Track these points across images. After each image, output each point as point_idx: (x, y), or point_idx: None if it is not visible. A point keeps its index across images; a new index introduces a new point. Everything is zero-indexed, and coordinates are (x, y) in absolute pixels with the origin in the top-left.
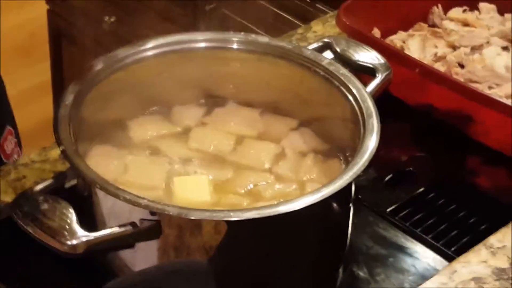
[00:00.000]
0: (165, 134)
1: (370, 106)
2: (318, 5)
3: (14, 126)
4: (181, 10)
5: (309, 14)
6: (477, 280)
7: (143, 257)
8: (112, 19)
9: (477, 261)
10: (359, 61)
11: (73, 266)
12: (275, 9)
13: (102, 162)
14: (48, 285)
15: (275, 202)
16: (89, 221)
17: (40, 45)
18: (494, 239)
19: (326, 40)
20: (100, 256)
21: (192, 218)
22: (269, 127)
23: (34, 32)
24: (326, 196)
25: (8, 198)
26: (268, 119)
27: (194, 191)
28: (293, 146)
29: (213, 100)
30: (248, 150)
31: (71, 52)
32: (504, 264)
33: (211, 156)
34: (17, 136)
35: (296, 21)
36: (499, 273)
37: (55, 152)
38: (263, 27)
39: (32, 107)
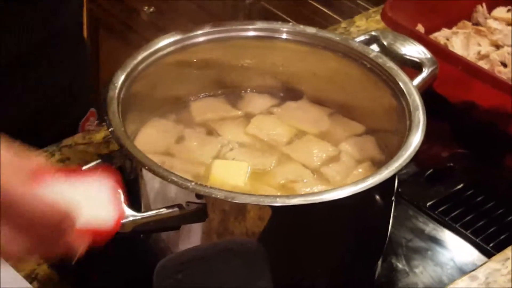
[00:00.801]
0: (226, 117)
1: (416, 99)
2: (359, 1)
3: (99, 108)
4: (221, 3)
5: (349, 10)
6: None
7: (187, 239)
8: (151, 9)
9: None
10: (405, 55)
11: (117, 245)
12: (316, 4)
13: (155, 134)
14: (93, 263)
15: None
16: (136, 201)
17: None
18: None
19: (373, 33)
20: (145, 237)
21: (238, 202)
22: (334, 128)
23: None
24: (372, 186)
25: None
26: (335, 121)
27: (229, 175)
28: (351, 152)
29: (289, 93)
30: (304, 146)
31: (109, 41)
32: None
33: (264, 145)
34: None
35: (336, 16)
36: None
37: (99, 135)
38: (304, 21)
39: None
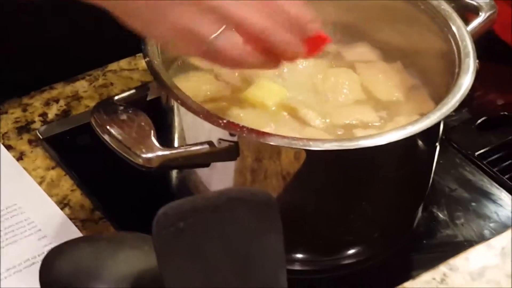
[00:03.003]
0: None
1: (468, 45)
2: None
3: None
4: None
5: None
6: None
7: (219, 176)
8: None
9: None
10: None
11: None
12: None
13: None
14: (123, 195)
15: (359, 135)
16: (167, 136)
17: None
18: None
19: None
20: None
21: (271, 143)
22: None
23: None
24: (412, 134)
25: (93, 103)
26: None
27: (264, 94)
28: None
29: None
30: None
31: None
32: None
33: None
34: None
35: None
36: None
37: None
38: None
39: None
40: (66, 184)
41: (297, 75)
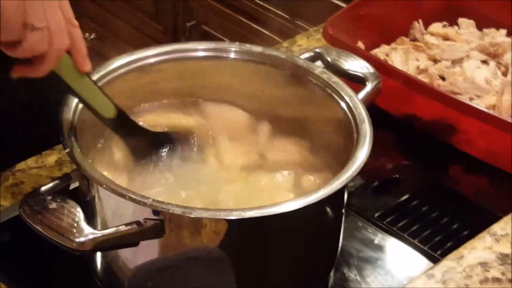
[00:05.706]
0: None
1: (362, 112)
2: (298, 22)
3: None
4: (162, 27)
5: (288, 31)
6: (483, 264)
7: (144, 255)
8: (92, 36)
9: (482, 247)
10: (349, 70)
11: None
12: (255, 26)
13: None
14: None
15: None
16: (93, 221)
17: None
18: (497, 227)
19: (317, 50)
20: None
21: (194, 216)
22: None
23: None
24: (323, 196)
25: (7, 203)
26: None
27: None
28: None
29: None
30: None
31: None
32: (507, 250)
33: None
34: None
35: (276, 38)
36: (503, 258)
37: (51, 159)
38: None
39: None
40: None
41: None
